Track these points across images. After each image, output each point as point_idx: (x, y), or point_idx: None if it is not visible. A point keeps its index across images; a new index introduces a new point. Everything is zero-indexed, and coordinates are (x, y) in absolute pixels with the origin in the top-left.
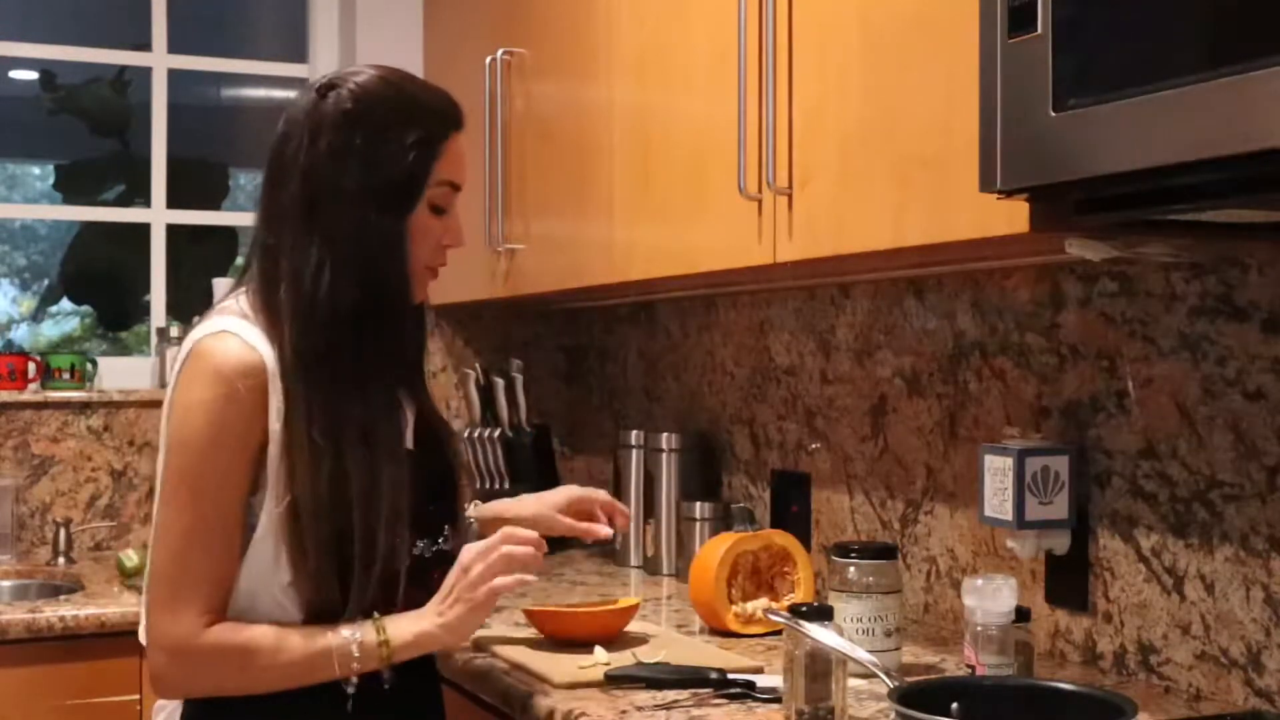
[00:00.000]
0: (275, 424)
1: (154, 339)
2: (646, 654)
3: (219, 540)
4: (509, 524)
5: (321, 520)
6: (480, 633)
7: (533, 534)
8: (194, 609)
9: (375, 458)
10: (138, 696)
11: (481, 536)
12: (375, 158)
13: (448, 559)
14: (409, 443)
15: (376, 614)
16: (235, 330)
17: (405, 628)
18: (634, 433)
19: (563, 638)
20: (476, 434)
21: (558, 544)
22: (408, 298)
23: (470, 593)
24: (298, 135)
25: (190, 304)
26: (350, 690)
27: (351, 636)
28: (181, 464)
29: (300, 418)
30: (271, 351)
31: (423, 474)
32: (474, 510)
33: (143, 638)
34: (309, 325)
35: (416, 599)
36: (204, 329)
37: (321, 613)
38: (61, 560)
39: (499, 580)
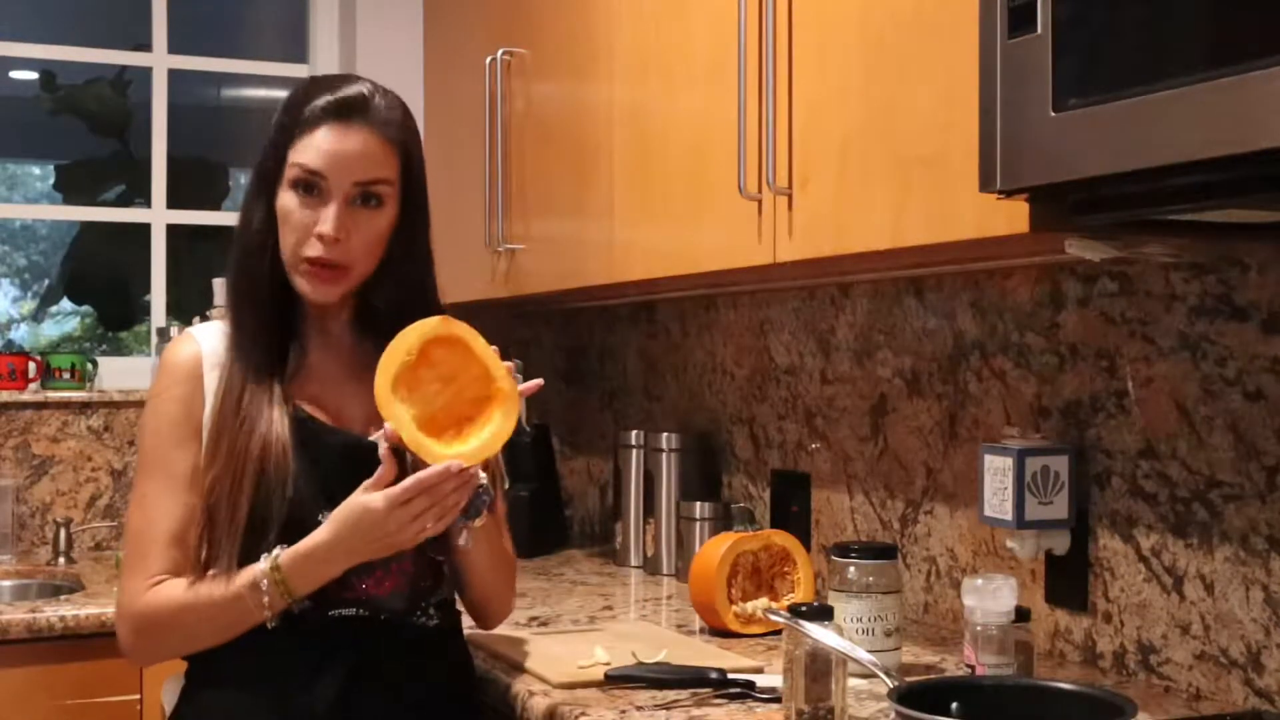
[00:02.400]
0: (210, 405)
1: (154, 339)
2: (646, 654)
3: (158, 509)
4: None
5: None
6: (480, 633)
7: (461, 473)
8: (139, 576)
9: (251, 441)
10: (138, 696)
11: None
12: (259, 155)
13: (401, 557)
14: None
15: (279, 548)
16: (196, 330)
17: (295, 550)
18: (634, 433)
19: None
20: None
21: (556, 544)
22: (276, 282)
23: (385, 540)
24: None
25: (190, 304)
26: (272, 626)
27: (254, 571)
28: (139, 450)
29: (218, 398)
30: (220, 345)
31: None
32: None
33: None
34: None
35: (366, 591)
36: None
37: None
38: (61, 560)
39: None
